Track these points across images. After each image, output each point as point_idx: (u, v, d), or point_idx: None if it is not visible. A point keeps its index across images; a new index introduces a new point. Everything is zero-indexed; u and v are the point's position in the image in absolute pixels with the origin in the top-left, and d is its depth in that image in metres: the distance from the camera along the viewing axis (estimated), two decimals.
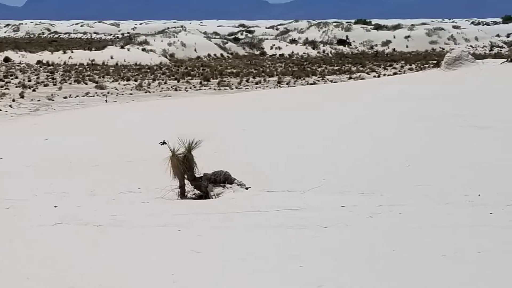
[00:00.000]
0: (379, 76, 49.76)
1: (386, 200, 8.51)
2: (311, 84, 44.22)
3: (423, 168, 10.91)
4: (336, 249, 6.42)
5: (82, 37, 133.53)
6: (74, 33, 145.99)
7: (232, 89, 42.45)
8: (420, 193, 8.91)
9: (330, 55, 79.26)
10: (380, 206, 8.13)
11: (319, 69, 57.50)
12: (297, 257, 6.00)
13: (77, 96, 37.68)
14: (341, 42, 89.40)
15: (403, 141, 13.57)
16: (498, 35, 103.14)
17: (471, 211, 7.97)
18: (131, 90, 41.48)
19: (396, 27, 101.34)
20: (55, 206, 8.74)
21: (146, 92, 40.64)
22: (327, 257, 6.06)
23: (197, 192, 9.59)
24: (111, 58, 60.70)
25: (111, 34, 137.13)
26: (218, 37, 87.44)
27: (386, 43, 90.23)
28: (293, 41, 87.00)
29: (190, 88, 42.64)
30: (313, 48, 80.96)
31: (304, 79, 48.50)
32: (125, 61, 59.51)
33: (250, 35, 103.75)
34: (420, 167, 10.92)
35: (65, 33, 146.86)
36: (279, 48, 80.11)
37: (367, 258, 6.00)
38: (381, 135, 14.20)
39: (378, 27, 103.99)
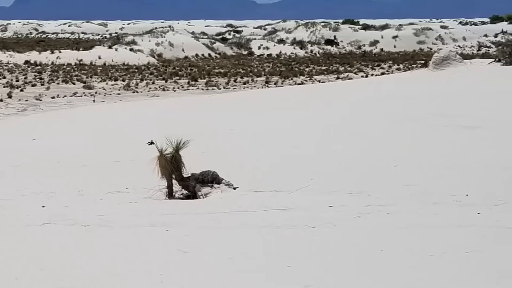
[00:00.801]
0: (366, 76, 50.04)
1: (374, 200, 8.54)
2: (298, 84, 44.36)
3: (411, 168, 10.96)
4: (324, 249, 6.44)
5: (70, 37, 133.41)
6: (62, 33, 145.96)
7: (220, 89, 42.61)
8: (408, 193, 8.96)
9: (318, 55, 79.49)
10: (368, 206, 8.16)
11: (307, 69, 57.75)
12: (284, 257, 6.02)
13: (65, 96, 37.74)
14: (329, 42, 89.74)
15: (391, 141, 13.63)
16: (486, 35, 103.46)
17: (458, 211, 8.00)
18: (118, 90, 41.60)
19: (384, 27, 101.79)
20: (43, 206, 8.76)
21: (133, 92, 40.77)
22: (315, 257, 6.09)
23: (185, 192, 9.61)
24: (99, 58, 60.85)
25: (99, 34, 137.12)
26: (206, 37, 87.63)
27: (374, 43, 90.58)
28: (281, 41, 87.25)
29: (178, 88, 42.74)
30: (301, 48, 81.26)
31: (292, 79, 48.67)
32: (112, 61, 59.72)
33: (237, 35, 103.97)
34: (408, 167, 10.98)
35: (53, 33, 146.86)
36: (267, 48, 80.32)
37: (354, 258, 6.03)
38: (369, 135, 14.26)
39: (366, 27, 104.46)
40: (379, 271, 5.57)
